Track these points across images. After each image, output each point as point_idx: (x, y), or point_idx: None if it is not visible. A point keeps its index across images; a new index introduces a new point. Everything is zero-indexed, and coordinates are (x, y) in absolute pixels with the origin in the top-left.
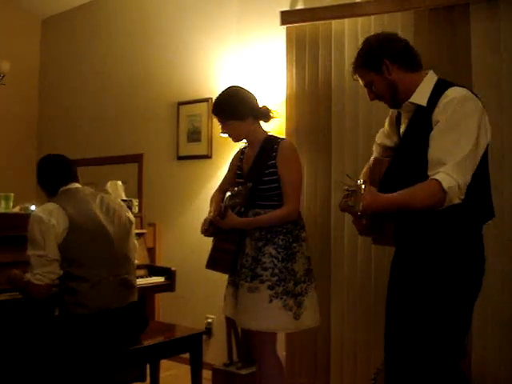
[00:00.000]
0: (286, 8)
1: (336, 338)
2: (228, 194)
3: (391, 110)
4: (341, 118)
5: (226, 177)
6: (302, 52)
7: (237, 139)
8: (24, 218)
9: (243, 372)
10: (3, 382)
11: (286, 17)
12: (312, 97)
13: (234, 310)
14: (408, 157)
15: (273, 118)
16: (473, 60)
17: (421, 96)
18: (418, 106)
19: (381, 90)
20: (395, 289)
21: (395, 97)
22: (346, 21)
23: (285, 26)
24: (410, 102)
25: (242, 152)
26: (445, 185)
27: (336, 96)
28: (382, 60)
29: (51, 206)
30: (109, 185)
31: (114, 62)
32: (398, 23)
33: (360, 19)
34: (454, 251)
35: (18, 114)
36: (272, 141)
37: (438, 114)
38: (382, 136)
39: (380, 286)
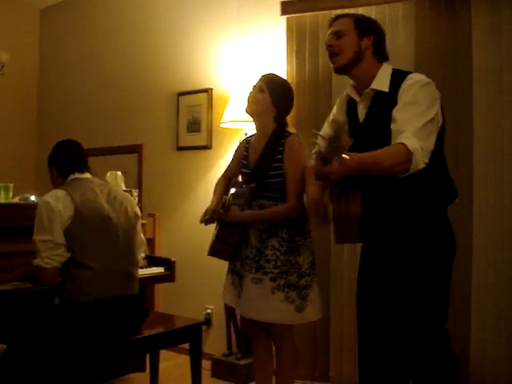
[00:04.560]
0: None
1: (335, 330)
2: (232, 191)
3: (339, 97)
4: None
5: (230, 165)
6: (303, 42)
7: (252, 110)
8: (24, 208)
9: (242, 362)
10: (3, 370)
11: (287, 7)
12: (312, 87)
13: (233, 298)
14: (372, 137)
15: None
16: (474, 50)
17: (381, 83)
18: (378, 92)
19: (346, 46)
20: (369, 278)
21: (349, 64)
22: (347, 11)
23: (285, 17)
24: (372, 89)
25: (247, 141)
26: (409, 145)
27: (336, 87)
28: (370, 33)
29: (60, 192)
30: (108, 175)
31: (113, 53)
32: (398, 13)
33: (361, 9)
34: (421, 234)
35: (18, 105)
36: (280, 135)
37: (402, 94)
38: (327, 125)
39: None
